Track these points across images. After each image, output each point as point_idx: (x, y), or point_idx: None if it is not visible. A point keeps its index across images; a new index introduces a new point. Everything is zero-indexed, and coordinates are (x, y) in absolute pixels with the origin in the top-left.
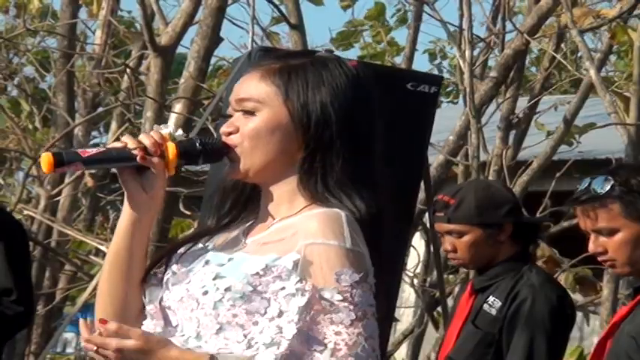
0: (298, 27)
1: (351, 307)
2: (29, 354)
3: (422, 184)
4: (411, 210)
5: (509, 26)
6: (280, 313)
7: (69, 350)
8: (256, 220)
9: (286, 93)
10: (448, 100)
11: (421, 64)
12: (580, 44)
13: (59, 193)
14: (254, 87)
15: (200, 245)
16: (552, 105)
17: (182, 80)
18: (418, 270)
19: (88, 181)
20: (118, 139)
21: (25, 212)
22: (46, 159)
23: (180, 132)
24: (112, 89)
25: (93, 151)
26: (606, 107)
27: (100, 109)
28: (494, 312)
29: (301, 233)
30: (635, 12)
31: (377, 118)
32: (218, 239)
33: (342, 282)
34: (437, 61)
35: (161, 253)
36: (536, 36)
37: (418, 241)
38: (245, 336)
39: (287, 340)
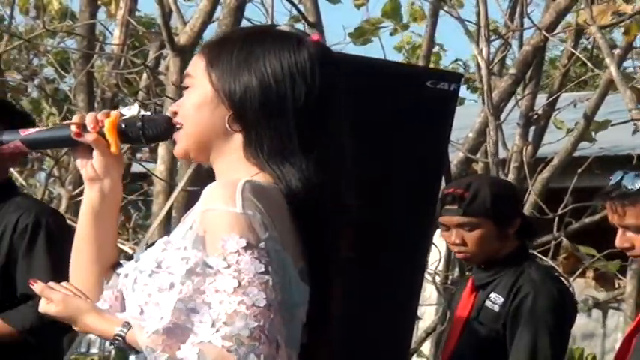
0: (316, 25)
1: (235, 273)
2: None
3: (443, 182)
4: (432, 208)
5: (527, 23)
6: (172, 285)
7: (93, 350)
8: None
9: (211, 66)
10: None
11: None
12: (599, 41)
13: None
14: (193, 62)
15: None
16: (572, 102)
17: None
18: (440, 267)
19: None
20: None
21: None
22: None
23: (146, 113)
24: (132, 89)
25: (33, 130)
26: (626, 103)
27: None
28: (497, 308)
29: (200, 202)
30: None
31: (318, 97)
32: None
33: (227, 248)
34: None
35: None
36: (554, 32)
37: (438, 239)
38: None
39: (169, 310)
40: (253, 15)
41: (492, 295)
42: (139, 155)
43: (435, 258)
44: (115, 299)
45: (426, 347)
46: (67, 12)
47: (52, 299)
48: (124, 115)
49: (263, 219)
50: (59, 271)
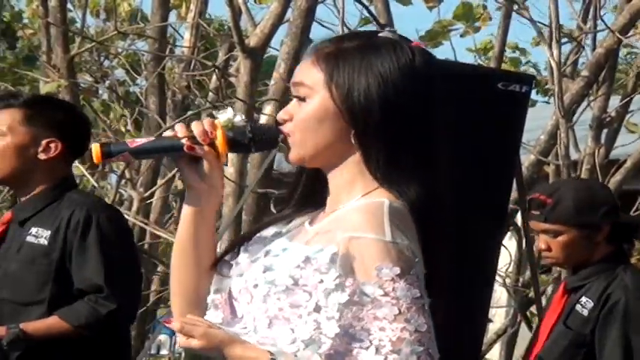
0: (387, 27)
1: (394, 301)
2: None
3: (514, 184)
4: (504, 210)
5: (600, 25)
6: (318, 308)
7: (163, 352)
8: (324, 207)
9: (331, 79)
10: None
11: None
12: None
13: (152, 196)
14: (306, 72)
15: (271, 232)
16: None
17: (272, 82)
18: (510, 270)
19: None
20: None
21: None
22: (94, 150)
23: (239, 117)
24: (203, 92)
25: (142, 141)
26: None
27: (190, 112)
28: (586, 312)
29: (343, 225)
30: None
31: (433, 107)
32: (291, 227)
33: (383, 276)
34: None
35: (234, 242)
36: (628, 34)
37: (508, 241)
38: (292, 330)
39: (329, 338)
40: (324, 16)
41: (583, 299)
42: None
43: (506, 260)
44: (224, 303)
45: (496, 350)
46: (137, 14)
47: (193, 335)
48: (217, 119)
49: (410, 244)
50: (111, 266)
